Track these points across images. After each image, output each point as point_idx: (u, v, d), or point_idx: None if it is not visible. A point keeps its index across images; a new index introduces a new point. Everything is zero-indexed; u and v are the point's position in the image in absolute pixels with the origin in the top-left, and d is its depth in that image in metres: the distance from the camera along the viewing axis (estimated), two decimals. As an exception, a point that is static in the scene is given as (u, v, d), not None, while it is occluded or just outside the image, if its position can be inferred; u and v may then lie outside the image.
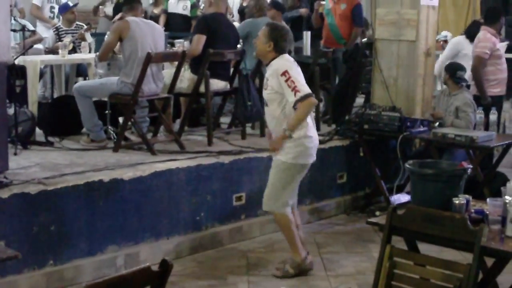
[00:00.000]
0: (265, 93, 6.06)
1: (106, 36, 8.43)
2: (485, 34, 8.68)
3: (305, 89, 5.88)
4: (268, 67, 6.07)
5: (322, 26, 10.18)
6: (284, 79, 5.84)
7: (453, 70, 8.04)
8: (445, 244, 4.27)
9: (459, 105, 7.81)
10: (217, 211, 7.02)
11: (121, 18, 7.43)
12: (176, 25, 11.67)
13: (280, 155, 6.07)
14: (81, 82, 8.75)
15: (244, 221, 7.25)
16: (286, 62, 5.98)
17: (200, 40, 7.73)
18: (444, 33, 12.60)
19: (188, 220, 6.79)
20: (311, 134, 6.06)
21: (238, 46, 9.13)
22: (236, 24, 10.35)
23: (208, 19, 7.96)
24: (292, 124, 5.92)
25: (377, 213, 7.71)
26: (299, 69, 6.04)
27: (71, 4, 10.53)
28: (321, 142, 7.90)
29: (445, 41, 12.11)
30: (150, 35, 7.34)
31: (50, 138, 7.64)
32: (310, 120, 6.07)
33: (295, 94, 5.81)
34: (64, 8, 10.49)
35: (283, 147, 6.03)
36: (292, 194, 6.22)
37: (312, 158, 6.17)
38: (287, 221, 6.17)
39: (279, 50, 5.99)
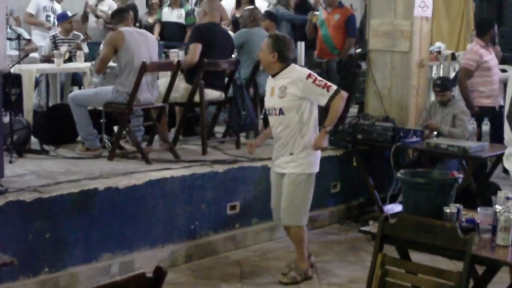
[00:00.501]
0: (282, 102, 6.08)
1: (100, 46, 8.49)
2: (473, 46, 8.82)
3: (334, 85, 6.06)
4: (280, 77, 6.11)
5: (316, 37, 10.25)
6: (311, 80, 5.98)
7: (453, 84, 8.20)
8: (436, 252, 4.32)
9: (456, 113, 7.87)
10: (212, 220, 7.05)
11: (112, 29, 7.49)
12: (171, 34, 11.71)
13: (293, 169, 6.16)
14: (76, 91, 8.80)
15: (238, 230, 7.29)
16: (303, 68, 6.22)
17: (196, 49, 7.76)
18: (438, 44, 12.66)
19: (183, 229, 6.82)
20: None
21: (233, 55, 9.19)
22: (231, 33, 10.41)
23: (202, 29, 7.99)
24: (331, 119, 6.08)
25: (371, 222, 7.72)
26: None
27: (69, 14, 10.59)
28: (314, 151, 8.02)
29: (439, 52, 12.17)
30: (145, 45, 7.39)
31: (45, 147, 7.69)
32: (315, 129, 6.16)
33: (328, 90, 5.97)
34: (63, 17, 10.55)
35: (294, 160, 6.14)
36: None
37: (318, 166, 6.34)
38: (303, 234, 6.32)
39: (284, 60, 6.08)
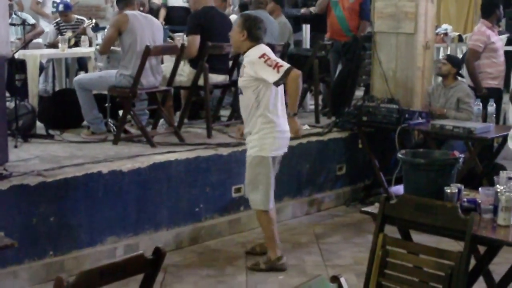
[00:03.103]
0: (241, 81, 6.07)
1: (105, 30, 8.50)
2: (480, 27, 8.77)
3: (285, 64, 5.92)
4: (245, 57, 6.07)
5: (324, 15, 10.14)
6: (263, 60, 5.87)
7: (459, 66, 8.14)
8: (437, 232, 4.31)
9: (460, 96, 7.84)
10: (216, 203, 7.06)
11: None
12: (177, 18, 11.65)
13: (249, 150, 6.13)
14: (81, 75, 8.80)
15: (243, 213, 7.29)
16: (262, 48, 6.02)
17: (194, 41, 7.73)
18: (444, 26, 12.61)
19: (187, 212, 6.83)
20: (279, 128, 6.07)
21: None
22: (234, 16, 10.39)
23: (199, 16, 7.91)
24: (292, 103, 5.98)
25: (376, 204, 7.73)
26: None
27: (70, 5, 10.58)
28: (320, 134, 8.03)
29: (445, 34, 12.13)
30: (149, 29, 7.39)
31: (51, 131, 7.69)
32: (280, 113, 6.07)
33: (278, 70, 5.83)
34: (68, 8, 10.52)
35: (250, 140, 6.10)
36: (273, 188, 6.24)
37: (281, 150, 6.19)
38: (269, 219, 6.21)
39: (254, 39, 6.01)
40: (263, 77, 5.88)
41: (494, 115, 7.63)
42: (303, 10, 11.29)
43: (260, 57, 5.90)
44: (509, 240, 4.11)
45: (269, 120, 6.00)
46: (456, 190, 4.40)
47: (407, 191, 4.66)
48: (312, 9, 10.92)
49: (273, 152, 6.09)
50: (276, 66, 5.84)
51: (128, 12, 7.35)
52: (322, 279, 3.08)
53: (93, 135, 7.58)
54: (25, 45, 8.55)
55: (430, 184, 4.47)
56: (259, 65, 5.89)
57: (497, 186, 4.39)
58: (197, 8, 8.03)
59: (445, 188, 4.39)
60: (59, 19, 10.55)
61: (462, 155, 4.74)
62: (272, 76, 5.85)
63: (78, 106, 7.60)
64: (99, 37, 10.99)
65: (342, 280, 3.10)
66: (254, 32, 6.01)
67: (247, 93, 6.02)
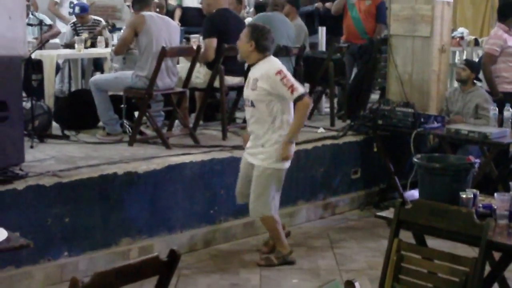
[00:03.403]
0: (253, 94, 6.07)
1: (122, 31, 8.52)
2: (496, 31, 8.72)
3: (301, 88, 5.96)
4: (255, 68, 6.09)
5: (340, 17, 10.12)
6: (279, 78, 5.90)
7: (478, 70, 8.12)
8: (452, 238, 4.29)
9: (479, 102, 7.82)
10: (231, 205, 7.05)
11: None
12: (192, 19, 11.66)
13: (262, 161, 6.13)
14: (97, 76, 8.83)
15: (257, 216, 7.29)
16: (277, 63, 6.05)
17: (211, 44, 7.75)
18: (460, 29, 12.58)
19: (202, 214, 6.84)
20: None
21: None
22: (249, 18, 10.40)
23: (214, 19, 7.93)
24: (294, 130, 6.03)
25: (391, 209, 7.71)
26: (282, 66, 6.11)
27: (86, 7, 10.61)
28: (335, 137, 8.02)
29: (462, 38, 12.10)
30: (165, 30, 7.41)
31: (67, 132, 7.71)
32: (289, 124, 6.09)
33: (292, 92, 5.88)
34: (84, 10, 10.55)
35: (262, 152, 6.11)
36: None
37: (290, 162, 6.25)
38: (274, 222, 6.28)
39: (261, 50, 6.04)
40: (280, 94, 5.93)
41: (511, 120, 7.58)
42: (317, 4, 11.29)
43: (276, 74, 5.92)
44: (525, 246, 4.10)
45: (284, 131, 6.05)
46: (472, 196, 4.39)
47: (422, 195, 4.66)
48: (327, 4, 10.93)
49: (287, 163, 6.15)
50: (291, 88, 5.89)
51: (145, 13, 7.37)
52: (337, 283, 3.08)
53: (109, 136, 7.60)
54: (42, 45, 8.58)
55: (445, 189, 4.47)
56: (275, 82, 5.92)
57: (513, 192, 4.37)
58: (211, 11, 8.05)
59: (460, 193, 4.38)
60: (76, 20, 10.58)
61: (478, 160, 4.73)
62: (287, 97, 5.94)
63: (94, 107, 7.63)
64: (115, 38, 11.02)
65: (357, 284, 3.11)
66: (262, 42, 6.03)
67: (260, 106, 6.04)
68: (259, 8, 10.45)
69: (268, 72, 5.95)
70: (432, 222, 4.16)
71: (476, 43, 12.35)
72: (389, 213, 4.59)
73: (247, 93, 6.15)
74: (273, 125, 6.03)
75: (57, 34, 10.30)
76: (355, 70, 9.64)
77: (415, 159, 4.82)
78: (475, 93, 7.93)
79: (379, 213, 4.79)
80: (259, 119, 6.08)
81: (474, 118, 7.80)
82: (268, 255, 6.39)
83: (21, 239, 3.92)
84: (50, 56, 8.59)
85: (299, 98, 5.89)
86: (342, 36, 10.12)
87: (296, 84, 5.96)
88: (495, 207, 4.38)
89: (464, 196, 4.37)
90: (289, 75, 6.00)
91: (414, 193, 7.53)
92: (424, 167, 4.67)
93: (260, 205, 6.20)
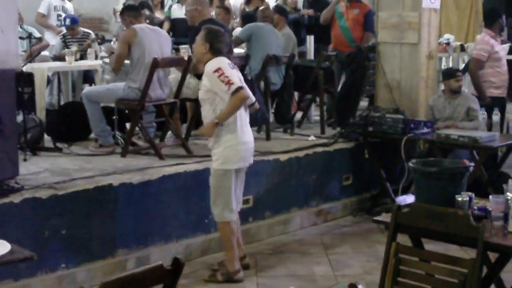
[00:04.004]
0: (200, 93, 6.18)
1: (111, 43, 8.54)
2: (483, 37, 8.83)
3: (237, 82, 5.98)
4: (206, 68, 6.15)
5: (328, 25, 10.19)
6: (217, 75, 5.95)
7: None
8: (449, 240, 4.37)
9: (470, 105, 7.95)
10: (225, 214, 7.09)
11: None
12: (181, 31, 11.73)
13: (212, 163, 6.18)
14: (89, 87, 8.85)
15: (252, 224, 7.35)
16: (221, 61, 6.07)
17: None
18: (446, 36, 12.69)
19: (197, 223, 6.87)
20: (240, 140, 6.11)
21: (242, 50, 9.25)
22: (239, 29, 10.46)
23: (199, 32, 7.97)
24: (222, 115, 6.01)
25: (383, 214, 7.77)
26: (234, 70, 6.11)
27: (76, 19, 10.64)
28: (326, 145, 8.09)
29: (448, 44, 12.20)
30: (157, 41, 7.46)
31: (58, 144, 7.73)
32: (240, 125, 6.10)
33: (229, 87, 5.93)
34: (75, 22, 10.58)
35: (213, 154, 6.15)
36: (233, 201, 6.21)
37: (245, 162, 6.22)
38: (228, 231, 6.22)
39: (215, 52, 6.09)
40: (218, 91, 5.98)
41: (499, 124, 7.70)
42: (302, 11, 11.36)
43: (214, 71, 5.97)
44: (521, 247, 4.17)
45: (231, 132, 6.06)
46: (468, 198, 4.46)
47: (418, 199, 4.72)
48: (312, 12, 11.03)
49: (235, 164, 6.13)
50: (228, 83, 5.93)
51: (136, 26, 7.43)
52: (343, 286, 3.13)
53: (101, 147, 7.62)
54: (33, 58, 8.60)
55: (441, 192, 4.54)
56: (213, 79, 5.97)
57: (508, 193, 4.44)
58: (195, 23, 8.07)
59: (456, 196, 4.45)
60: (65, 32, 10.61)
61: (472, 164, 4.80)
62: (224, 92, 5.96)
63: (85, 119, 7.66)
64: (103, 50, 11.05)
65: (360, 287, 3.15)
66: (215, 45, 6.08)
67: (205, 106, 6.12)
68: (246, 18, 10.52)
69: (208, 70, 6.02)
70: (429, 225, 4.22)
71: (462, 49, 12.45)
72: (385, 217, 4.65)
73: (199, 94, 6.24)
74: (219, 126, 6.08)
75: (46, 47, 10.32)
76: (343, 78, 9.71)
77: (410, 164, 4.89)
78: (463, 97, 8.02)
79: (376, 218, 4.84)
80: (205, 118, 6.15)
81: (466, 121, 7.89)
82: (215, 272, 6.33)
83: (25, 251, 3.95)
84: (41, 69, 8.61)
85: (236, 91, 5.93)
86: (330, 45, 10.20)
87: (235, 79, 5.98)
88: (490, 209, 4.46)
89: (460, 199, 4.43)
90: (229, 72, 6.00)
91: (406, 198, 7.63)
92: (420, 171, 4.74)
93: (216, 209, 6.20)
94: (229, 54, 6.98)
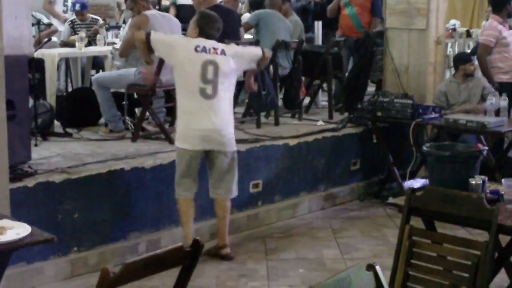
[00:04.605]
0: None
1: (121, 30, 8.57)
2: (491, 22, 8.84)
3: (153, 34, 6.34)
4: None
5: (336, 17, 10.25)
6: None
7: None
8: (462, 223, 4.42)
9: (485, 85, 8.11)
10: (235, 198, 7.08)
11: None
12: (186, 17, 11.70)
13: None
14: (100, 73, 8.89)
15: (261, 208, 7.41)
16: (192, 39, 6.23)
17: None
18: (452, 21, 12.71)
19: (207, 207, 6.88)
20: (187, 125, 6.14)
21: (251, 36, 9.29)
22: (247, 14, 10.49)
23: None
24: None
25: (390, 199, 7.82)
26: (175, 35, 6.54)
27: (86, 5, 10.68)
28: (334, 130, 8.13)
29: (454, 30, 12.23)
30: (168, 27, 7.49)
31: (68, 130, 7.78)
32: (192, 110, 6.11)
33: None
34: (85, 7, 10.62)
35: None
36: (191, 181, 6.25)
37: (196, 146, 6.14)
38: (182, 209, 6.27)
39: (205, 36, 6.17)
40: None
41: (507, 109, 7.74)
42: None
43: None
44: (533, 230, 4.22)
45: (182, 114, 6.19)
46: (481, 182, 4.51)
47: (431, 183, 4.78)
48: None
49: (184, 144, 6.14)
50: None
51: (147, 12, 7.47)
52: (360, 267, 3.18)
53: (111, 133, 7.68)
54: (43, 44, 8.64)
55: (455, 176, 4.59)
56: None
57: (521, 177, 4.50)
58: (201, 9, 8.08)
59: (470, 179, 4.51)
60: (73, 17, 10.64)
61: (486, 148, 4.85)
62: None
63: (95, 104, 7.71)
64: (110, 36, 11.10)
65: (378, 268, 3.20)
66: (205, 29, 6.17)
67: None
68: (254, 4, 10.56)
69: None
70: (443, 208, 4.27)
71: (468, 34, 12.49)
72: (399, 200, 4.69)
73: None
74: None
75: (54, 33, 10.36)
76: (351, 64, 9.75)
77: (424, 148, 4.94)
78: (476, 79, 8.16)
79: (389, 201, 4.90)
80: None
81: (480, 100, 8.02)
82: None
83: (44, 233, 4.00)
84: (51, 55, 8.66)
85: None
86: (338, 31, 10.23)
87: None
88: (502, 192, 4.51)
89: (473, 182, 4.49)
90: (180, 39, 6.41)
91: (413, 183, 7.70)
92: (434, 155, 4.79)
93: (175, 185, 6.29)
94: (230, 38, 7.07)
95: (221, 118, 6.14)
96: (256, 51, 6.51)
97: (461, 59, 8.24)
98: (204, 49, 6.08)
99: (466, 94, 8.06)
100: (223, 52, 6.14)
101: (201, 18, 6.23)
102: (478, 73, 8.70)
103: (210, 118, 6.09)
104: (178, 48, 6.14)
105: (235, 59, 6.21)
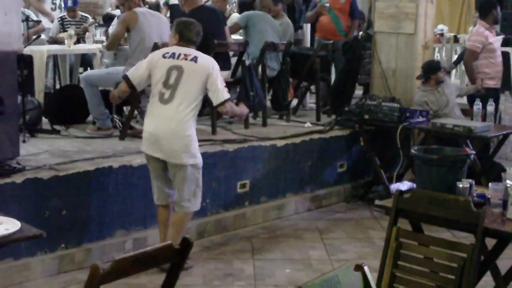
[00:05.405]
0: None
1: (110, 27, 8.58)
2: (478, 28, 8.94)
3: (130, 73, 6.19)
4: None
5: (315, 22, 10.34)
6: None
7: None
8: (449, 225, 4.46)
9: (454, 83, 8.14)
10: (222, 198, 7.19)
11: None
12: (179, 16, 11.73)
13: None
14: (88, 71, 8.90)
15: (247, 208, 7.44)
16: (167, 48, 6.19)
17: None
18: (440, 26, 12.79)
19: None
20: (145, 128, 6.00)
21: (240, 37, 9.32)
22: (236, 15, 10.51)
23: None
24: None
25: (377, 201, 7.85)
26: (148, 59, 6.15)
27: (78, 1, 10.68)
28: (322, 132, 8.17)
29: (441, 35, 12.30)
30: (157, 26, 7.52)
31: (56, 127, 7.78)
32: (149, 113, 6.02)
33: None
34: (76, 3, 10.61)
35: None
36: (159, 187, 6.11)
37: (150, 152, 5.95)
38: (158, 214, 6.22)
39: (184, 41, 6.08)
40: None
41: (493, 114, 7.81)
42: None
43: None
44: (519, 233, 4.27)
45: (146, 117, 6.09)
46: (468, 185, 4.56)
47: (419, 186, 4.81)
48: None
49: (143, 147, 6.03)
50: None
51: (137, 9, 7.48)
52: (348, 267, 3.21)
53: (99, 130, 7.68)
54: (32, 41, 8.64)
55: (442, 179, 4.63)
56: None
57: (507, 181, 4.53)
58: (185, 9, 8.12)
59: (457, 183, 4.55)
60: (63, 14, 10.64)
61: (473, 152, 4.89)
62: None
63: (83, 102, 7.71)
64: (98, 34, 11.10)
65: (366, 268, 3.24)
66: (185, 34, 6.06)
67: None
68: (243, 5, 10.59)
69: None
70: (431, 211, 4.31)
71: (456, 40, 12.56)
72: (386, 202, 4.74)
73: None
74: None
75: (42, 31, 10.33)
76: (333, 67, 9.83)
77: (412, 151, 4.98)
78: (446, 81, 8.21)
79: (377, 202, 4.94)
80: None
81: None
82: None
83: (33, 229, 4.01)
84: (40, 52, 8.65)
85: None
86: (316, 34, 10.31)
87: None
88: (489, 196, 4.56)
89: (460, 185, 4.54)
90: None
91: (400, 185, 7.73)
92: (422, 158, 4.83)
93: None
94: (215, 38, 7.04)
95: (168, 124, 5.82)
96: (223, 94, 5.99)
97: (431, 69, 8.16)
98: (172, 55, 5.94)
99: (445, 98, 8.09)
100: (194, 59, 5.91)
101: (178, 24, 6.16)
102: (466, 81, 8.80)
103: (156, 122, 5.87)
104: (151, 63, 6.02)
105: (207, 73, 5.92)
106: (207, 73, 5.88)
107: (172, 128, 5.80)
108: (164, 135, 5.81)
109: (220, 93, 5.94)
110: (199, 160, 5.99)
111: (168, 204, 6.12)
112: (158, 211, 6.18)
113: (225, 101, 5.97)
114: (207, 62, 5.96)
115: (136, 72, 6.08)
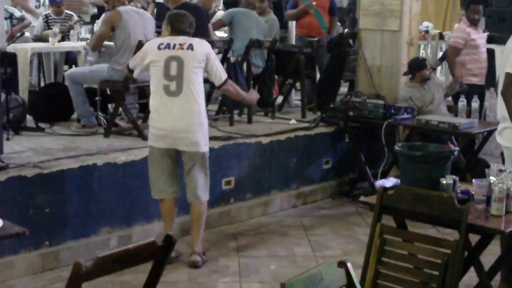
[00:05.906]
0: None
1: (95, 25, 8.54)
2: (461, 25, 8.99)
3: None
4: None
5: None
6: None
7: None
8: (433, 222, 4.47)
9: (444, 81, 8.17)
10: (207, 195, 7.17)
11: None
12: (165, 14, 11.71)
13: None
14: (73, 69, 8.87)
15: (232, 205, 7.44)
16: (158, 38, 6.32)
17: None
18: (426, 23, 12.81)
19: (179, 203, 6.85)
20: (153, 123, 6.06)
21: (224, 34, 9.31)
22: (221, 12, 10.49)
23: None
24: None
25: (362, 197, 7.86)
26: (143, 50, 6.25)
27: None
28: (307, 128, 8.17)
29: (427, 32, 12.32)
30: (141, 24, 7.51)
31: (41, 124, 7.75)
32: (156, 109, 6.04)
33: None
34: (53, 1, 10.58)
35: None
36: (165, 180, 6.18)
37: (161, 144, 6.04)
38: (161, 208, 6.29)
39: (177, 32, 6.12)
40: None
41: (478, 111, 7.82)
42: None
43: None
44: (502, 229, 4.28)
45: (150, 109, 6.13)
46: (452, 182, 4.56)
47: (403, 182, 4.81)
48: None
49: (151, 142, 6.10)
50: None
51: (121, 8, 7.48)
52: (331, 263, 3.21)
53: (84, 128, 7.67)
54: (15, 39, 8.60)
55: (426, 176, 4.64)
56: None
57: (490, 177, 4.55)
58: (170, 6, 8.16)
59: (441, 179, 4.56)
60: (48, 12, 10.59)
61: (457, 148, 4.90)
62: None
63: (67, 99, 7.69)
64: (83, 32, 11.04)
65: (349, 265, 3.24)
66: (176, 25, 6.12)
67: None
68: (228, 3, 10.58)
69: None
70: (415, 207, 4.32)
71: (441, 37, 12.58)
72: (370, 198, 4.74)
73: None
74: None
75: (27, 26, 10.28)
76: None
77: (396, 148, 4.99)
78: (433, 79, 8.23)
79: (362, 199, 4.94)
80: None
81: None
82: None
83: (16, 227, 4.00)
84: (24, 49, 8.60)
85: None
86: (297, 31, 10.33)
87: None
88: (473, 192, 4.57)
89: (444, 182, 4.54)
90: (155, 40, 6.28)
91: (385, 182, 7.76)
92: (406, 155, 4.84)
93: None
94: (198, 35, 7.05)
95: (185, 116, 5.96)
96: (223, 73, 6.32)
97: (417, 66, 8.15)
98: (167, 46, 5.99)
99: (430, 95, 8.09)
100: (190, 47, 5.99)
101: (170, 16, 6.21)
102: (449, 78, 8.82)
103: (172, 116, 5.94)
104: (147, 54, 6.08)
105: (205, 58, 6.07)
106: (205, 58, 6.06)
107: (187, 119, 5.97)
108: (179, 126, 5.95)
109: (220, 73, 6.26)
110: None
111: (171, 197, 6.23)
112: (162, 204, 6.25)
113: (226, 79, 6.28)
114: (203, 47, 6.12)
115: (134, 60, 6.28)
